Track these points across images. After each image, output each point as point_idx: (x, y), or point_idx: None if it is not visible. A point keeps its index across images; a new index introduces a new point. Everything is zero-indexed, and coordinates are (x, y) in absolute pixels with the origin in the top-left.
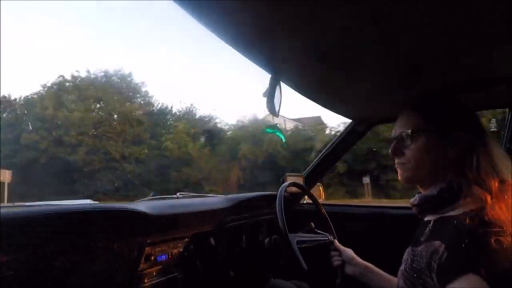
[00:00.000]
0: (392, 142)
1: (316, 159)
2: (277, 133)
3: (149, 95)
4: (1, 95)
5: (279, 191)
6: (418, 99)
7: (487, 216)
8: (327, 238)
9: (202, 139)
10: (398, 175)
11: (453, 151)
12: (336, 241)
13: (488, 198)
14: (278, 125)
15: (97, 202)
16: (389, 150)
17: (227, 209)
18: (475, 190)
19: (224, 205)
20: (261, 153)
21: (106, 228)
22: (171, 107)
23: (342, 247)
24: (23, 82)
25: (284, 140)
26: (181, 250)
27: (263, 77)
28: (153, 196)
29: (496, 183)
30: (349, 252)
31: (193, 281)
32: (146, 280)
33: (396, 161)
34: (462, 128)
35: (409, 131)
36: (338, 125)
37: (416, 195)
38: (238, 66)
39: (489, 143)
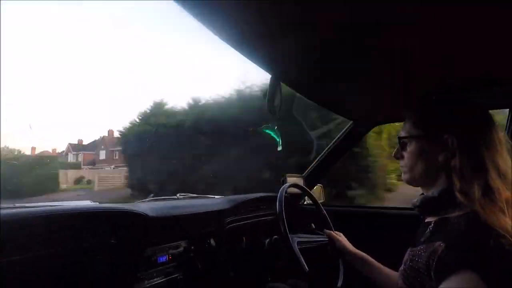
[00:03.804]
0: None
1: (316, 160)
2: (273, 134)
3: None
4: None
5: (279, 192)
6: (416, 102)
7: (482, 219)
8: (327, 239)
9: None
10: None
11: (442, 156)
12: (327, 231)
13: (473, 205)
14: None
15: (97, 203)
16: (393, 154)
17: (227, 210)
18: (459, 197)
19: (224, 206)
20: None
21: (106, 229)
22: None
23: (335, 237)
24: None
25: (279, 142)
26: (182, 251)
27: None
28: (153, 197)
29: (480, 190)
30: (342, 241)
31: (193, 282)
32: (146, 282)
33: (399, 164)
34: (451, 132)
35: (404, 136)
36: None
37: (418, 196)
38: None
39: (478, 144)
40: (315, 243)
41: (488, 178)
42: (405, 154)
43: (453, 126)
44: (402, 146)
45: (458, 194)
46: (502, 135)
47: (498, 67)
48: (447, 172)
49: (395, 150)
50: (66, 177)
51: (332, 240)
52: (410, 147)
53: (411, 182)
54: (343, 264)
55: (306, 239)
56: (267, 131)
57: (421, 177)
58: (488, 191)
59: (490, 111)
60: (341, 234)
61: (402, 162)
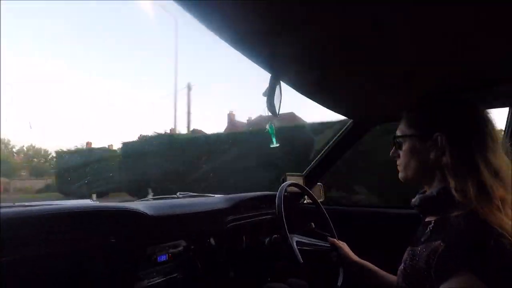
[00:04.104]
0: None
1: (316, 159)
2: (270, 133)
3: None
4: None
5: (279, 191)
6: (413, 102)
7: (482, 218)
8: (328, 244)
9: None
10: None
11: (433, 154)
12: (330, 238)
13: (470, 203)
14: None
15: (97, 201)
16: (390, 153)
17: (227, 209)
18: (456, 195)
19: (224, 205)
20: None
21: (106, 228)
22: None
23: (338, 245)
24: None
25: (274, 142)
26: (181, 250)
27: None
28: (153, 196)
29: (475, 188)
30: (345, 249)
31: (193, 282)
32: (146, 281)
33: (397, 163)
34: (441, 130)
35: (399, 136)
36: None
37: (417, 195)
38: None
39: (469, 143)
40: (315, 246)
41: (481, 176)
42: (401, 153)
43: (442, 124)
44: (398, 145)
45: (455, 192)
46: (496, 133)
47: (498, 67)
48: (441, 171)
49: (392, 149)
50: None
51: (335, 248)
52: (404, 146)
53: (406, 180)
54: (343, 265)
55: (306, 241)
56: (269, 129)
57: (416, 176)
58: (483, 189)
59: (490, 110)
60: (344, 243)
61: (398, 161)
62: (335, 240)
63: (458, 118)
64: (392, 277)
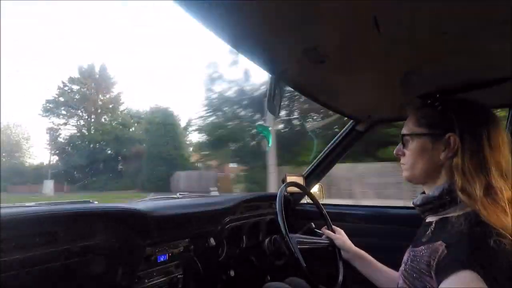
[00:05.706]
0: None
1: (316, 159)
2: (265, 134)
3: None
4: None
5: (279, 191)
6: (418, 100)
7: (483, 219)
8: (327, 241)
9: None
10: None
11: (444, 154)
12: (326, 230)
13: (474, 204)
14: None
15: (97, 202)
16: (394, 151)
17: (227, 209)
18: (460, 196)
19: (224, 205)
20: None
21: (106, 229)
22: None
23: (333, 235)
24: None
25: (269, 145)
26: (181, 250)
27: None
28: (153, 196)
29: (482, 189)
30: (341, 238)
31: (193, 281)
32: (146, 281)
33: (401, 161)
34: (454, 131)
35: (406, 134)
36: None
37: (419, 195)
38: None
39: (481, 144)
40: (315, 244)
41: (490, 177)
42: (407, 152)
43: (456, 125)
44: (404, 143)
45: (459, 193)
46: (505, 134)
47: (498, 67)
48: (448, 171)
49: (397, 147)
50: None
51: (331, 238)
52: (412, 145)
53: (412, 179)
54: (343, 261)
55: (306, 240)
56: (259, 129)
57: (422, 175)
58: (490, 191)
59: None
60: (341, 231)
61: (403, 160)
62: (330, 232)
63: (470, 119)
64: (388, 270)
